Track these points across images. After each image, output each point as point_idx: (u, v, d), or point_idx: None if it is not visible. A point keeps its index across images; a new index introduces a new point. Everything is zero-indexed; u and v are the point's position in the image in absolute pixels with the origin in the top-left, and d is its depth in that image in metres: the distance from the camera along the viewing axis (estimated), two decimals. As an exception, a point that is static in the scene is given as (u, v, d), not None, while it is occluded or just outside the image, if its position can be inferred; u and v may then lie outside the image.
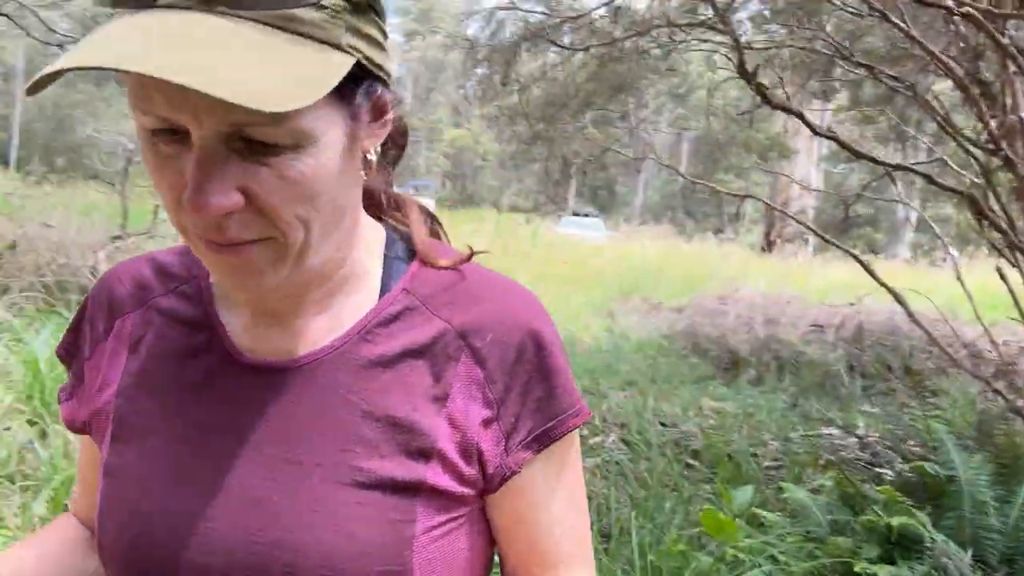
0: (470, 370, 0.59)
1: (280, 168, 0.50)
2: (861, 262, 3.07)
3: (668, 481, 2.85)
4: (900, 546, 1.86)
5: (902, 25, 2.38)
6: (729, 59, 3.14)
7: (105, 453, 0.63)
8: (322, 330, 0.61)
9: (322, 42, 0.49)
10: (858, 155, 2.56)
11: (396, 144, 0.68)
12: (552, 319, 0.64)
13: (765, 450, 3.59)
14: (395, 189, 0.70)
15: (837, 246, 3.45)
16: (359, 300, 0.62)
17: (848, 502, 2.02)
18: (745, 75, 2.36)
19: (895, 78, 3.03)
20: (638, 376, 5.40)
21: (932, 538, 1.81)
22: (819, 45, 3.17)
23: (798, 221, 3.54)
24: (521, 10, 4.11)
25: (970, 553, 1.87)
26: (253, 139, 0.49)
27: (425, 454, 0.57)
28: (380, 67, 0.55)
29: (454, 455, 0.58)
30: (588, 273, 9.72)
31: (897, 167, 3.16)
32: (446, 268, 0.63)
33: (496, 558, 0.68)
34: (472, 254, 0.66)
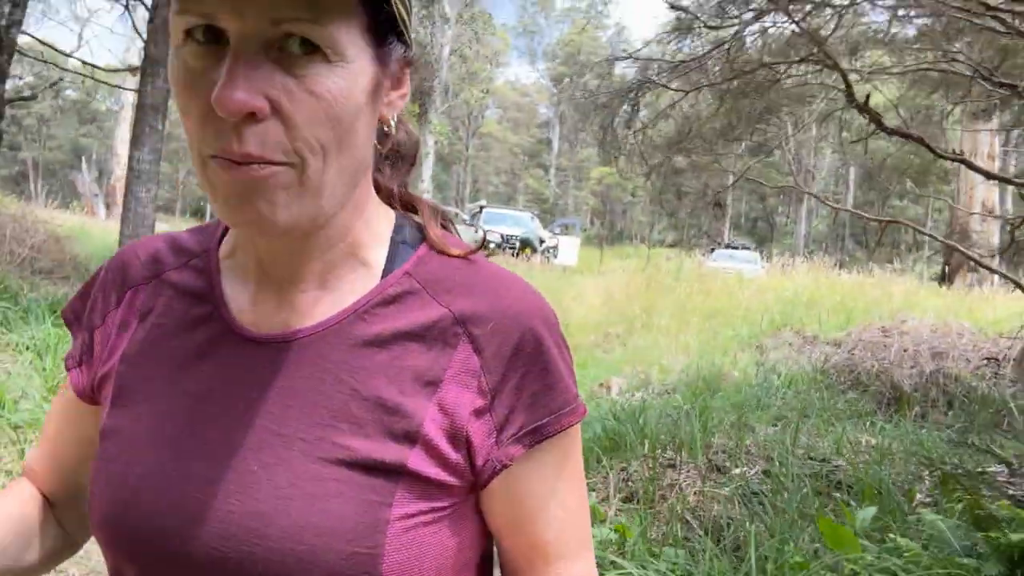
0: (467, 357, 0.59)
1: (310, 82, 0.51)
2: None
3: (805, 510, 2.81)
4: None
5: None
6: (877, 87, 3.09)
7: (104, 417, 0.64)
8: (322, 306, 0.61)
9: None
10: (988, 175, 2.46)
11: (404, 150, 0.69)
12: (557, 317, 0.63)
13: (921, 485, 3.41)
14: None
15: (1000, 274, 3.26)
16: (361, 279, 0.62)
17: (980, 524, 1.92)
18: (855, 104, 2.37)
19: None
20: (788, 411, 5.24)
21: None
22: (960, 67, 3.07)
23: (952, 246, 3.38)
24: (639, 58, 4.28)
25: None
26: (289, 47, 0.51)
27: (410, 438, 0.57)
28: (407, 27, 0.58)
29: (441, 441, 0.57)
30: (736, 306, 9.49)
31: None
32: (456, 256, 0.64)
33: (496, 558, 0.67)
34: (483, 245, 0.67)
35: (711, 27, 4.09)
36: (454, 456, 0.58)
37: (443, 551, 0.58)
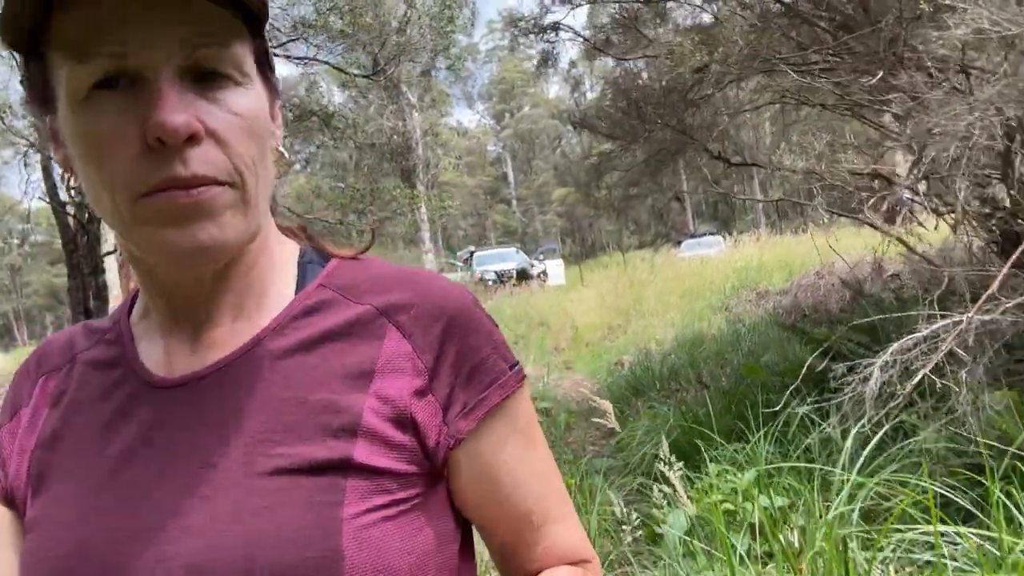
0: (397, 344, 0.59)
1: (228, 102, 0.54)
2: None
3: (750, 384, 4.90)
4: None
5: None
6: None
7: (27, 512, 0.61)
8: (237, 335, 0.61)
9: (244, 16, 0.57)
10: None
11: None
12: (474, 295, 0.64)
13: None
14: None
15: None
16: (274, 302, 0.62)
17: (804, 341, 3.97)
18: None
19: None
20: (752, 344, 7.36)
21: None
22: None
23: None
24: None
25: None
26: (203, 71, 0.53)
27: (350, 431, 0.56)
28: (272, 64, 0.62)
29: (385, 428, 0.56)
30: (704, 283, 11.68)
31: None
32: (355, 257, 0.66)
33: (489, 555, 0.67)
34: (372, 244, 0.69)
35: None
36: (401, 439, 0.57)
37: (414, 548, 0.56)
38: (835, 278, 9.69)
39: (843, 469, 2.07)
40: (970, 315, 2.00)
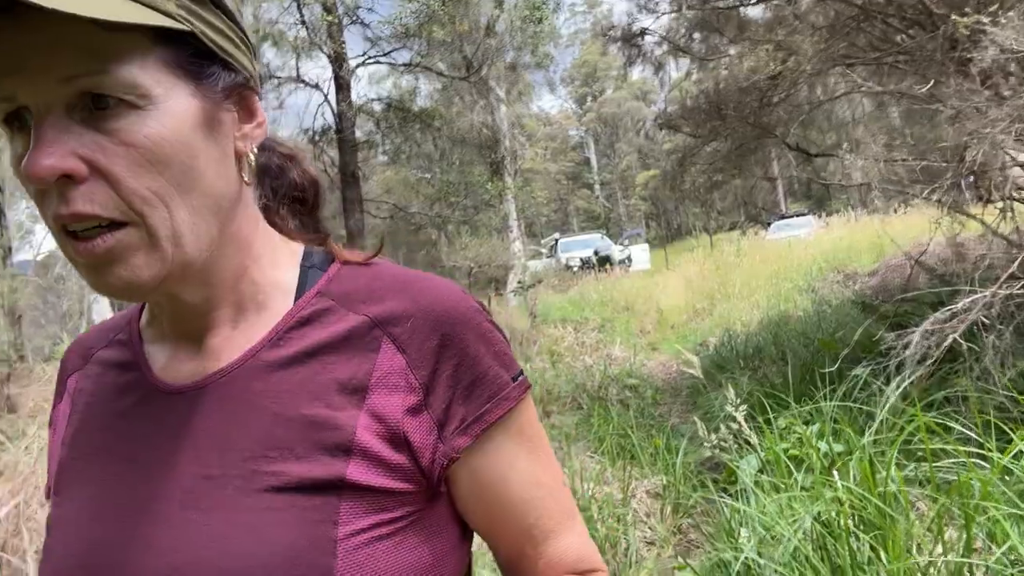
0: (391, 359, 0.58)
1: (122, 134, 0.51)
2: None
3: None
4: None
5: None
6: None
7: (51, 510, 0.63)
8: (237, 345, 0.61)
9: (146, 5, 0.51)
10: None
11: (305, 191, 0.71)
12: (478, 303, 0.63)
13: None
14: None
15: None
16: (274, 312, 0.62)
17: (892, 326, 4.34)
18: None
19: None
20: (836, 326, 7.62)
21: None
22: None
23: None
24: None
25: None
26: (94, 104, 0.50)
27: (344, 449, 0.55)
28: (232, 57, 0.57)
29: (379, 447, 0.56)
30: (790, 265, 11.84)
31: None
32: (361, 263, 0.64)
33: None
34: (380, 250, 0.67)
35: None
36: (396, 459, 0.56)
37: (408, 566, 0.56)
38: (931, 256, 9.74)
39: (883, 412, 2.55)
40: (995, 289, 2.41)
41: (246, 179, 0.60)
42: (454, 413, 0.59)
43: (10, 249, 9.08)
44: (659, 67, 6.05)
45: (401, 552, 0.56)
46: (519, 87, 16.09)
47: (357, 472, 0.55)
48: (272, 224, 0.67)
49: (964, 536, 1.85)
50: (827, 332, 6.77)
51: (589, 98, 56.91)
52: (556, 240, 24.70)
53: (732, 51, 4.96)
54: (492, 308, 10.81)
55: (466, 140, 12.41)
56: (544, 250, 23.85)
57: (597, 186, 55.86)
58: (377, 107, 11.02)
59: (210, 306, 0.61)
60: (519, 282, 12.19)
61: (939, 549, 1.86)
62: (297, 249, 0.67)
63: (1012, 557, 1.76)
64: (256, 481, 0.55)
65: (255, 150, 0.60)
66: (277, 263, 0.64)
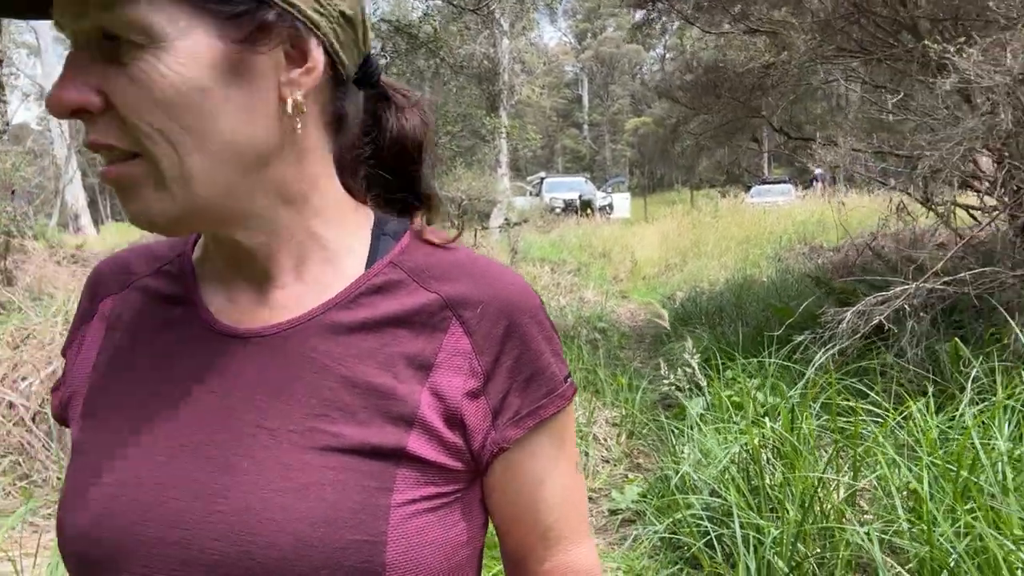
0: (457, 340, 0.59)
1: (133, 70, 0.50)
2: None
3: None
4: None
5: None
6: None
7: (75, 431, 0.62)
8: (304, 299, 0.61)
9: None
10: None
11: (405, 146, 0.67)
12: (542, 301, 0.64)
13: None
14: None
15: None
16: (342, 271, 0.62)
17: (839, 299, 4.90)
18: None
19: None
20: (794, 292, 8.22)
21: None
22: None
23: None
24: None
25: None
26: (107, 40, 0.50)
27: (407, 420, 0.57)
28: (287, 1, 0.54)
29: (438, 423, 0.57)
30: (763, 232, 12.41)
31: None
32: (439, 245, 0.64)
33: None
34: (460, 234, 0.66)
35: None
36: (451, 438, 0.58)
37: (448, 542, 0.58)
38: (887, 241, 10.37)
39: (810, 372, 3.10)
40: (919, 284, 2.92)
41: (298, 128, 0.56)
42: (510, 403, 0.60)
43: (8, 123, 9.20)
44: (664, 31, 6.34)
45: (445, 526, 0.58)
46: (524, 22, 16.06)
47: (417, 444, 0.56)
48: (344, 184, 0.65)
49: (852, 470, 2.41)
50: (784, 300, 7.36)
51: (589, 35, 55.90)
52: (542, 179, 24.91)
53: (733, 30, 5.27)
54: (476, 242, 11.21)
55: (465, 70, 12.53)
56: (530, 188, 24.10)
57: (586, 127, 55.53)
58: (384, 27, 11.07)
59: (269, 251, 0.60)
60: (506, 219, 12.57)
61: (832, 474, 2.42)
62: (367, 212, 0.66)
63: (884, 485, 2.34)
64: (313, 439, 0.55)
65: (299, 96, 0.56)
66: (344, 223, 0.63)
